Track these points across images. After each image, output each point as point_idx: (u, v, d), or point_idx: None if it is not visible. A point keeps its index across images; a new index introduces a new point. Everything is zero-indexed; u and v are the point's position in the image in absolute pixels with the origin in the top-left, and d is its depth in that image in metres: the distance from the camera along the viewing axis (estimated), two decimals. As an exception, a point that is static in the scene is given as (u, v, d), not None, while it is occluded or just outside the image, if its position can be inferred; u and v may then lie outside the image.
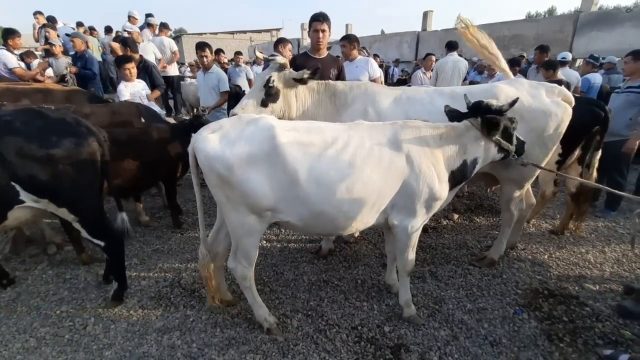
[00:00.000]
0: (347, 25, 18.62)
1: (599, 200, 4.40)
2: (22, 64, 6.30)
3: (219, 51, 7.28)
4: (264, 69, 3.14)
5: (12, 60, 5.51)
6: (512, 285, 2.90)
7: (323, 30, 3.42)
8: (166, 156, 3.55)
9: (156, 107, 4.79)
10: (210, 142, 1.89)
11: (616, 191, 2.43)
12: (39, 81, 5.64)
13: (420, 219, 2.16)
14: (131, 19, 7.75)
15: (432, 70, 6.60)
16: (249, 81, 6.88)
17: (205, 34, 28.48)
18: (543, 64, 5.09)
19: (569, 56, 6.20)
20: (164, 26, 7.66)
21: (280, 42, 4.67)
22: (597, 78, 5.60)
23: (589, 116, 3.02)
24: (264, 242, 3.58)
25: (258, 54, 3.60)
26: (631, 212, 4.11)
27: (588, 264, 3.20)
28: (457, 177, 2.18)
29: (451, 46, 6.34)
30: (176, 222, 3.92)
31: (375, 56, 9.85)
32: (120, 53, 5.39)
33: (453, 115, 2.26)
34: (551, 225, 3.93)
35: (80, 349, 2.27)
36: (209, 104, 4.92)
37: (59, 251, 3.41)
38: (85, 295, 2.79)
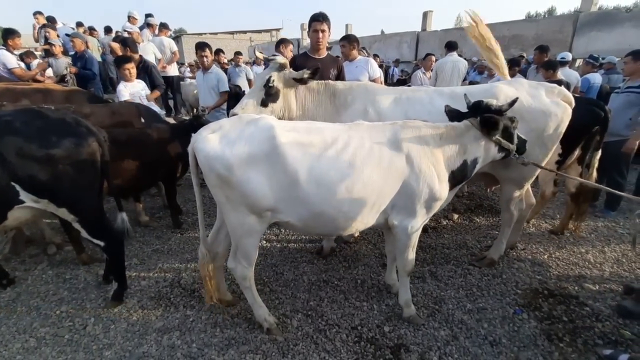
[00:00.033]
0: (346, 26, 18.64)
1: (599, 200, 4.40)
2: (22, 64, 6.29)
3: (218, 51, 7.28)
4: (264, 69, 3.14)
5: (12, 61, 5.51)
6: (511, 285, 2.90)
7: (323, 31, 3.42)
8: (166, 156, 3.55)
9: (156, 108, 4.80)
10: (210, 142, 1.89)
11: (616, 191, 2.43)
12: (39, 81, 5.64)
13: (420, 219, 2.16)
14: (131, 19, 7.75)
15: (432, 71, 6.61)
16: (249, 81, 6.87)
17: (205, 34, 28.50)
18: (543, 64, 5.09)
19: (569, 56, 6.20)
20: (163, 26, 7.66)
21: (281, 43, 4.68)
22: (596, 78, 5.61)
23: (589, 116, 3.02)
24: (264, 242, 3.58)
25: (258, 54, 3.61)
26: (631, 212, 4.12)
27: (588, 264, 3.20)
28: (457, 177, 2.18)
29: (451, 46, 6.33)
30: (176, 222, 3.92)
31: (375, 56, 9.85)
32: (120, 53, 5.39)
33: (453, 115, 2.26)
34: (551, 225, 3.93)
35: (80, 349, 2.27)
36: (209, 104, 4.92)
37: (59, 251, 3.40)
38: (85, 295, 2.79)
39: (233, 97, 5.17)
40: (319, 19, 3.40)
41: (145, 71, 5.16)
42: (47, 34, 7.26)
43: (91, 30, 9.59)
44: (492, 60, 3.04)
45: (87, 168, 2.30)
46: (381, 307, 2.64)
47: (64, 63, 6.52)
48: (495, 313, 2.58)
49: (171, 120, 4.82)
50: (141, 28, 7.76)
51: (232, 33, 30.71)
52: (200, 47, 4.85)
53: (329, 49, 3.82)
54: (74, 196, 2.29)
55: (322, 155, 1.92)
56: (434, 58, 7.07)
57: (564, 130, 2.64)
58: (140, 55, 5.32)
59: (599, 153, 3.25)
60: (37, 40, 8.43)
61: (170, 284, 2.91)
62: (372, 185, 1.98)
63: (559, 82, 3.67)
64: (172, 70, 7.68)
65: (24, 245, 3.45)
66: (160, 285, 2.89)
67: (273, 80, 2.64)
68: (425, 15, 14.97)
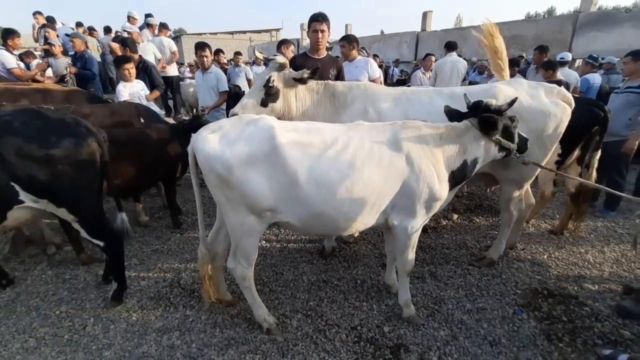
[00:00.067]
0: (346, 26, 18.66)
1: (598, 200, 4.41)
2: (22, 64, 6.29)
3: (218, 51, 7.28)
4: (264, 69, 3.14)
5: (11, 61, 5.51)
6: (511, 285, 2.90)
7: (322, 31, 3.42)
8: (166, 156, 3.55)
9: (155, 108, 4.80)
10: (210, 142, 1.89)
11: (616, 192, 2.43)
12: (38, 81, 5.64)
13: (420, 220, 2.16)
14: (130, 19, 7.74)
15: (431, 71, 6.61)
16: (249, 81, 6.87)
17: (204, 34, 28.51)
18: (542, 64, 5.10)
19: (568, 56, 6.20)
20: (163, 26, 7.66)
21: (283, 44, 4.67)
22: (596, 78, 5.61)
23: (588, 116, 3.02)
24: (264, 242, 3.58)
25: (258, 54, 3.59)
26: (630, 212, 4.13)
27: (587, 264, 3.21)
28: (457, 177, 2.18)
29: (450, 46, 6.33)
30: (176, 223, 3.91)
31: (375, 56, 9.86)
32: (120, 53, 5.39)
33: (452, 115, 2.27)
34: (550, 225, 3.93)
35: (79, 349, 2.27)
36: (208, 104, 4.92)
37: (59, 251, 3.40)
38: (85, 295, 2.79)
39: (233, 97, 5.17)
40: (318, 19, 3.40)
41: (145, 71, 5.16)
42: (47, 34, 7.27)
43: (91, 30, 9.59)
44: (497, 70, 3.00)
45: (87, 168, 2.29)
46: (381, 307, 2.64)
47: (63, 63, 6.52)
48: (494, 313, 2.58)
49: (171, 121, 4.82)
50: (141, 28, 7.75)
51: (231, 33, 30.72)
52: (200, 47, 4.85)
53: (329, 49, 3.82)
54: (74, 196, 2.29)
55: (322, 156, 1.92)
56: (433, 58, 7.07)
57: (563, 131, 2.64)
58: (140, 56, 5.31)
59: (599, 153, 3.26)
60: (36, 40, 8.43)
61: (170, 284, 2.90)
62: (372, 185, 1.97)
63: (559, 82, 3.68)
64: (172, 71, 7.67)
65: (23, 245, 3.44)
66: (159, 286, 2.89)
67: (273, 80, 2.64)
68: (425, 15, 14.98)
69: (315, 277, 2.99)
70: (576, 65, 9.06)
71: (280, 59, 2.71)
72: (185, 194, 4.80)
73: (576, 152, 3.20)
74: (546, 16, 33.45)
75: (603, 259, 3.29)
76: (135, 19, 7.87)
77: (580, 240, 3.61)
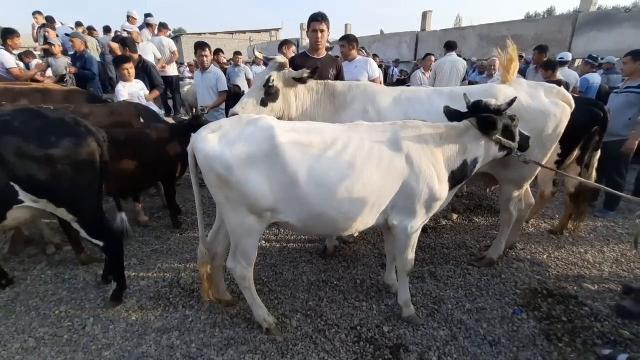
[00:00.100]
0: (346, 26, 18.65)
1: (598, 200, 4.41)
2: (22, 64, 6.29)
3: (218, 51, 7.27)
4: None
5: (10, 61, 5.50)
6: (511, 285, 2.90)
7: (322, 31, 3.41)
8: (165, 156, 3.55)
9: (155, 108, 4.79)
10: (210, 142, 1.89)
11: (615, 192, 2.43)
12: (38, 81, 5.63)
13: (420, 220, 2.16)
14: (130, 19, 7.74)
15: (431, 71, 6.61)
16: (248, 81, 6.87)
17: (204, 34, 28.52)
18: (542, 64, 5.10)
19: (568, 56, 6.21)
20: (163, 26, 7.66)
21: (285, 44, 4.67)
22: (596, 78, 5.62)
23: (588, 116, 3.03)
24: (264, 242, 3.58)
25: (257, 54, 3.59)
26: (630, 212, 4.13)
27: (587, 264, 3.21)
28: (457, 177, 2.18)
29: (450, 46, 6.33)
30: (175, 223, 3.91)
31: (375, 56, 9.85)
32: (120, 53, 5.38)
33: (452, 115, 2.27)
34: (550, 225, 3.93)
35: (79, 349, 2.27)
36: (207, 103, 4.92)
37: (58, 251, 3.40)
38: (84, 295, 2.79)
39: (232, 97, 5.17)
40: (318, 19, 3.39)
41: (145, 71, 5.15)
42: (47, 33, 7.26)
43: (90, 30, 9.58)
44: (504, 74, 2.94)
45: (86, 168, 2.29)
46: (380, 307, 2.64)
47: (63, 63, 6.51)
48: (494, 313, 2.58)
49: (170, 120, 4.82)
50: (140, 28, 7.75)
51: (231, 33, 30.72)
52: (200, 47, 4.85)
53: (329, 49, 3.82)
54: (73, 196, 2.29)
55: (322, 156, 1.92)
56: (433, 58, 7.07)
57: (563, 131, 2.64)
58: (140, 55, 5.31)
59: (599, 153, 3.26)
60: (36, 40, 8.43)
61: (170, 284, 2.90)
62: (372, 185, 1.97)
63: (558, 83, 3.68)
64: (172, 70, 7.67)
65: (23, 245, 3.44)
66: (159, 286, 2.89)
67: (273, 80, 2.64)
68: (424, 15, 14.97)
69: (315, 277, 2.99)
70: (576, 65, 9.07)
71: (280, 58, 2.71)
72: (185, 194, 4.80)
73: (576, 152, 3.20)
74: (546, 16, 33.47)
75: (603, 259, 3.30)
76: (135, 19, 7.86)
77: (580, 240, 3.62)
